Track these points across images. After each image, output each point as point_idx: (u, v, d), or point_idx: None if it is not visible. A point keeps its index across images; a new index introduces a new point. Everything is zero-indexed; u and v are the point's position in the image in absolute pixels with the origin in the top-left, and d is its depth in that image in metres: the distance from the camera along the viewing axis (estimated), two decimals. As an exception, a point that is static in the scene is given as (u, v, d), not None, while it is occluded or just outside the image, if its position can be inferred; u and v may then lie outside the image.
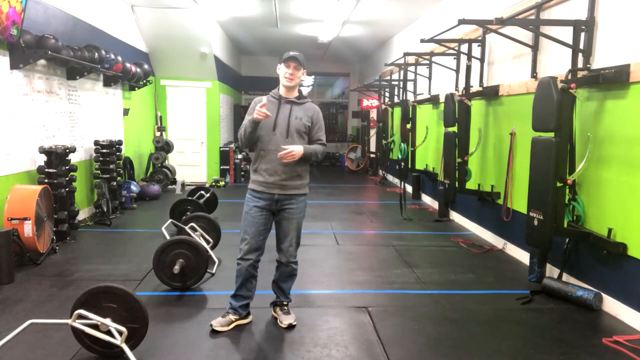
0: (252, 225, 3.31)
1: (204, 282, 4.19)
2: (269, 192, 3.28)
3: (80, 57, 5.83)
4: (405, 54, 7.69)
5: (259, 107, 3.09)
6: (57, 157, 5.30)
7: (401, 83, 9.11)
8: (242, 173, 10.87)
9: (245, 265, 3.31)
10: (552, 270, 4.44)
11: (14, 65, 4.86)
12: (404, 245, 5.60)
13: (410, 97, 8.90)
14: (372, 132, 12.90)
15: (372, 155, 12.97)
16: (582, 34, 4.02)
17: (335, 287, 4.24)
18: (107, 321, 2.71)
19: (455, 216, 7.07)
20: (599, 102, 3.88)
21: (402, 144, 8.42)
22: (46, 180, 5.20)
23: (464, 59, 6.19)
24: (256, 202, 3.31)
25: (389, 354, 3.04)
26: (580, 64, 4.03)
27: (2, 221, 4.46)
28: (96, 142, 6.72)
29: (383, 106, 11.13)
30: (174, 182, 9.27)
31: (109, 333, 2.71)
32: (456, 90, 6.62)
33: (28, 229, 4.44)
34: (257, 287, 4.09)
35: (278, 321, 3.44)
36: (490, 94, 5.66)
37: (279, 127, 3.24)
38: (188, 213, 5.52)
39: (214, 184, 9.97)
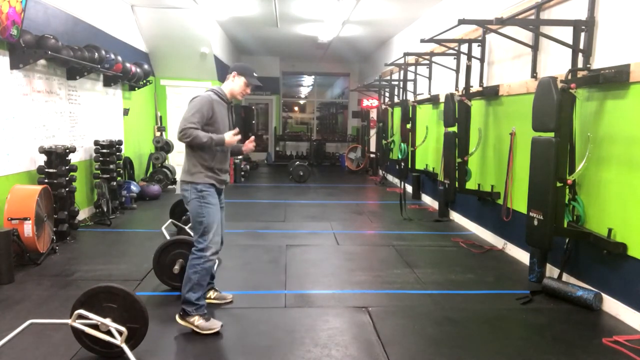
0: (217, 217, 3.34)
1: (204, 282, 4.18)
2: (221, 188, 3.47)
3: (80, 57, 5.83)
4: (405, 54, 7.69)
5: (232, 137, 3.32)
6: (57, 157, 5.30)
7: (401, 83, 9.11)
8: (242, 173, 10.87)
9: (215, 259, 3.34)
10: (552, 270, 4.45)
11: (14, 65, 4.86)
12: (404, 245, 5.60)
13: (410, 97, 8.89)
14: (372, 132, 12.90)
15: (372, 155, 12.97)
16: (582, 34, 4.02)
17: (335, 287, 4.24)
18: (107, 321, 2.72)
19: (455, 216, 7.07)
20: (599, 102, 3.88)
21: (402, 144, 8.42)
22: (46, 180, 5.20)
23: (464, 59, 6.19)
24: (215, 195, 3.38)
25: (389, 354, 3.04)
26: (580, 64, 4.03)
27: (2, 221, 4.46)
28: (96, 142, 6.72)
29: (383, 106, 11.13)
30: (174, 182, 9.27)
31: (109, 333, 2.71)
32: (456, 90, 6.62)
33: (28, 229, 4.44)
34: (254, 287, 4.12)
35: (220, 301, 3.69)
36: (490, 94, 5.66)
37: (230, 129, 3.44)
38: (188, 213, 5.51)
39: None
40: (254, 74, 3.46)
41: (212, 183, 3.35)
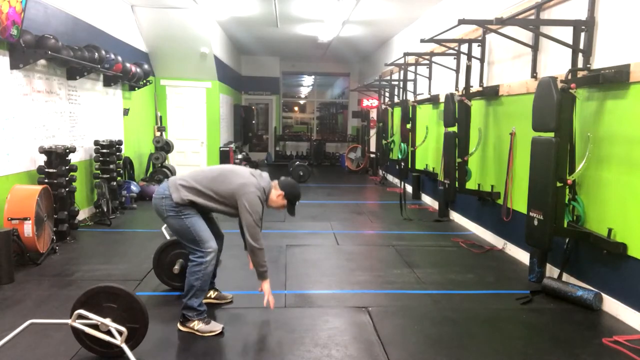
0: (202, 223, 3.31)
1: (204, 282, 4.18)
2: None
3: (80, 57, 5.84)
4: (405, 54, 7.69)
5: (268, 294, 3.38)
6: (57, 157, 5.30)
7: (401, 83, 9.11)
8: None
9: (213, 263, 3.34)
10: (552, 270, 4.45)
11: (14, 65, 4.86)
12: (404, 245, 5.60)
13: (410, 97, 8.90)
14: (372, 132, 12.90)
15: (372, 155, 12.97)
16: (582, 34, 4.02)
17: (335, 287, 4.24)
18: (107, 321, 2.71)
19: (455, 216, 7.07)
20: (599, 102, 3.88)
21: (402, 144, 8.41)
22: (46, 180, 5.20)
23: (464, 59, 6.19)
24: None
25: (389, 354, 3.04)
26: (580, 64, 4.03)
27: (2, 221, 4.46)
28: (96, 142, 6.72)
29: (383, 106, 11.13)
30: (174, 182, 9.25)
31: (109, 333, 2.71)
32: (456, 90, 6.62)
33: (28, 229, 4.44)
34: (254, 287, 4.10)
35: (220, 301, 3.75)
36: (490, 94, 5.66)
37: None
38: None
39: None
40: (298, 202, 3.55)
41: (194, 201, 3.29)
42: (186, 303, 3.26)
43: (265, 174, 3.45)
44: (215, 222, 3.63)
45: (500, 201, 5.46)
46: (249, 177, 3.31)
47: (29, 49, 4.91)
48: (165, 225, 5.20)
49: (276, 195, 3.42)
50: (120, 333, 2.69)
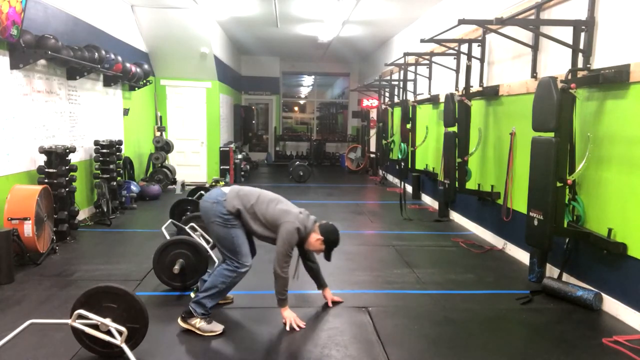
0: (244, 237, 3.40)
1: (204, 282, 4.17)
2: None
3: (80, 57, 5.84)
4: (405, 54, 7.69)
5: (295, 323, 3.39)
6: (57, 157, 5.30)
7: (401, 83, 9.12)
8: (242, 173, 10.87)
9: (243, 277, 3.39)
10: (552, 270, 4.45)
11: (14, 65, 4.86)
12: (404, 245, 5.60)
13: (410, 97, 8.90)
14: (372, 132, 12.90)
15: (372, 155, 12.97)
16: (582, 34, 4.02)
17: (335, 287, 4.23)
18: (107, 321, 2.71)
19: (455, 216, 7.07)
20: (599, 102, 3.88)
21: (402, 144, 8.41)
22: (46, 180, 5.20)
23: (464, 59, 6.19)
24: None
25: (389, 354, 3.04)
26: (580, 64, 4.03)
27: (2, 221, 4.46)
28: (96, 142, 6.72)
29: (383, 106, 11.12)
30: (174, 182, 9.27)
31: (109, 333, 2.71)
32: (456, 90, 6.62)
33: (28, 229, 4.44)
34: (259, 287, 4.13)
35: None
36: (490, 94, 5.66)
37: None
38: (188, 213, 5.52)
39: (214, 183, 9.95)
40: (334, 248, 3.57)
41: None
42: (200, 299, 3.27)
43: (312, 217, 3.50)
44: (253, 240, 3.63)
45: (500, 201, 5.46)
46: (295, 210, 3.41)
47: (29, 49, 4.91)
48: (165, 225, 5.21)
49: (315, 238, 3.45)
50: (120, 333, 2.68)
